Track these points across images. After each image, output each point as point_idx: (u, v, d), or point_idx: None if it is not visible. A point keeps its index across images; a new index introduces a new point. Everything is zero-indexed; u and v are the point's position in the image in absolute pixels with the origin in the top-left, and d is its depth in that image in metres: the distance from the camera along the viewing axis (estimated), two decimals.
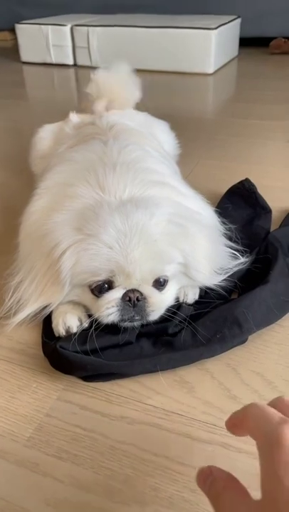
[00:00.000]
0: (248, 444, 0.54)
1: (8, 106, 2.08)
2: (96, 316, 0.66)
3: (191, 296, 0.74)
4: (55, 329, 0.70)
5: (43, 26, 2.68)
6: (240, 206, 1.03)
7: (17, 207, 0.82)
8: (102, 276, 0.64)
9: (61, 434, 0.57)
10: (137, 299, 0.65)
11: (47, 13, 2.97)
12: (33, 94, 2.38)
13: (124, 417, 0.59)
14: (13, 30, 2.93)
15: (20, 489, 0.51)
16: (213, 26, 2.38)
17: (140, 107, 1.25)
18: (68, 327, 0.69)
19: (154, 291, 0.67)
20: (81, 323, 0.69)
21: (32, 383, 0.64)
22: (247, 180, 1.11)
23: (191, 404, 0.60)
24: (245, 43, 2.96)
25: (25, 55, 2.81)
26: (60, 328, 0.69)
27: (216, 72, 2.50)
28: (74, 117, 1.13)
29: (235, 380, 0.64)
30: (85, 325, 0.69)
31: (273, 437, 0.32)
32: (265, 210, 1.00)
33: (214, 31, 2.37)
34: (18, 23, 2.75)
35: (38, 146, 1.14)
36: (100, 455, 0.54)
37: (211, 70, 2.45)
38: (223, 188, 1.11)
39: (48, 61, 2.75)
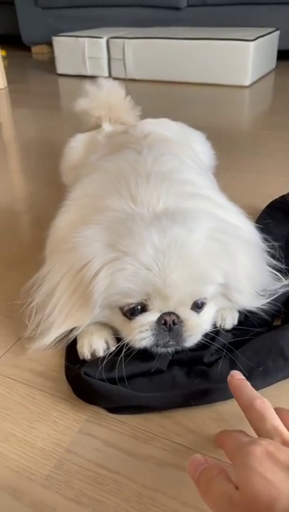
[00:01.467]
0: None
1: (42, 117, 2.08)
2: (128, 340, 0.60)
3: (230, 320, 0.67)
4: (79, 351, 0.64)
5: (79, 39, 2.69)
6: (281, 222, 0.95)
7: (47, 218, 0.78)
8: (136, 299, 0.59)
9: (82, 475, 0.51)
10: (173, 323, 0.59)
11: (83, 27, 2.98)
12: (67, 106, 2.37)
13: (152, 457, 0.53)
14: (50, 44, 2.96)
15: None
16: (251, 38, 2.32)
17: (176, 118, 1.20)
18: (94, 350, 0.63)
19: (192, 313, 0.61)
20: (108, 347, 0.63)
21: (52, 412, 0.59)
22: None
23: None
24: (284, 55, 2.88)
25: (61, 67, 2.83)
26: (85, 350, 0.63)
27: (252, 84, 2.44)
28: (107, 126, 1.09)
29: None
30: (112, 349, 0.63)
31: (245, 451, 0.41)
32: None
33: (252, 43, 2.31)
34: (55, 35, 2.78)
35: (68, 156, 1.10)
36: (125, 502, 0.48)
37: (247, 82, 2.39)
38: (261, 203, 1.04)
39: (83, 73, 2.76)
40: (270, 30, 2.63)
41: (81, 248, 0.61)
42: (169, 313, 0.59)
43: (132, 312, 0.60)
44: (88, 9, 3.17)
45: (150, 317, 0.59)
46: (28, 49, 3.71)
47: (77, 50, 2.70)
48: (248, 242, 0.70)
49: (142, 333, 0.59)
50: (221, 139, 1.49)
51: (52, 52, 2.90)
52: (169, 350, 0.61)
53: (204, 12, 2.92)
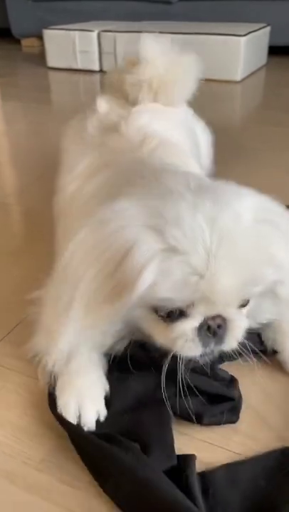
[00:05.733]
0: None
1: (32, 110, 2.07)
2: (174, 351, 0.52)
3: None
4: (62, 410, 0.54)
5: (70, 32, 2.68)
6: None
7: (38, 211, 0.79)
8: (177, 304, 0.50)
9: (76, 459, 0.52)
10: (218, 326, 0.51)
11: (74, 21, 2.97)
12: (58, 99, 2.37)
13: None
14: (40, 37, 2.95)
15: None
16: (242, 33, 2.34)
17: None
18: (83, 423, 0.53)
19: (238, 313, 0.53)
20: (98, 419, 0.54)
21: (46, 399, 0.59)
22: None
23: None
24: (274, 51, 2.90)
25: (52, 60, 2.81)
26: (70, 413, 0.54)
27: (243, 79, 2.45)
28: (102, 106, 0.96)
29: None
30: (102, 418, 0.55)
31: None
32: None
33: (243, 38, 2.32)
34: (45, 28, 2.76)
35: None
36: None
37: (238, 78, 2.41)
38: None
39: (74, 67, 2.75)
40: (261, 25, 2.65)
41: (116, 228, 0.49)
42: (213, 317, 0.51)
43: (169, 315, 0.51)
44: (79, 2, 3.16)
45: (193, 323, 0.51)
46: (17, 42, 3.68)
47: (68, 44, 2.69)
48: None
49: (189, 343, 0.51)
50: (212, 134, 1.50)
51: (42, 45, 2.88)
52: (212, 357, 0.55)
53: (195, 7, 2.93)
